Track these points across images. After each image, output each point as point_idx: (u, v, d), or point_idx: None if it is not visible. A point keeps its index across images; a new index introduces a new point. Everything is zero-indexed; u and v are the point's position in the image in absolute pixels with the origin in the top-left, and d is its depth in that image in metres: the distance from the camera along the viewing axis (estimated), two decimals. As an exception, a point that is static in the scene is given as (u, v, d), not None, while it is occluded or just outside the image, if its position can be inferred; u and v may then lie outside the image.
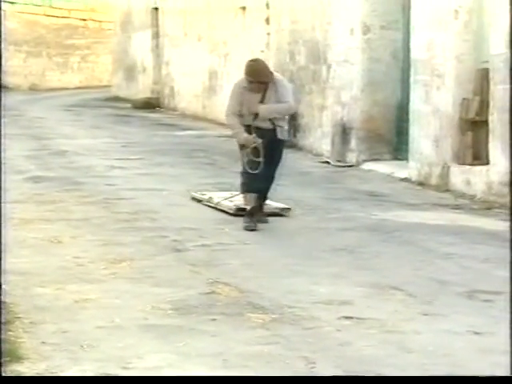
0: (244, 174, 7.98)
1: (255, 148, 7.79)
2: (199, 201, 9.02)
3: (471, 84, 9.90)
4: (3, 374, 4.18)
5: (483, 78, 9.69)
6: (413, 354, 4.73)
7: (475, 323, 5.23)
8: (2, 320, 4.74)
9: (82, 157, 12.54)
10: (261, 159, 7.77)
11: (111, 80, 25.92)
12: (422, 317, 5.40)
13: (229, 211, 8.38)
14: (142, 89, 22.33)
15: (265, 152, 7.78)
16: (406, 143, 11.13)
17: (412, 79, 10.82)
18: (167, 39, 20.52)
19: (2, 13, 21.08)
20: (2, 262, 5.31)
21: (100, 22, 29.96)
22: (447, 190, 9.95)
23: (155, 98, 21.20)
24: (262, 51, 15.38)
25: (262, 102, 7.81)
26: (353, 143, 12.23)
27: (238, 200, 8.46)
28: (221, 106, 17.62)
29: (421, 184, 10.46)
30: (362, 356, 4.69)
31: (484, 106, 9.63)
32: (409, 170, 10.85)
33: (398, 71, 11.92)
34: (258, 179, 7.84)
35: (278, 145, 7.96)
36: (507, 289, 5.98)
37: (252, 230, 7.73)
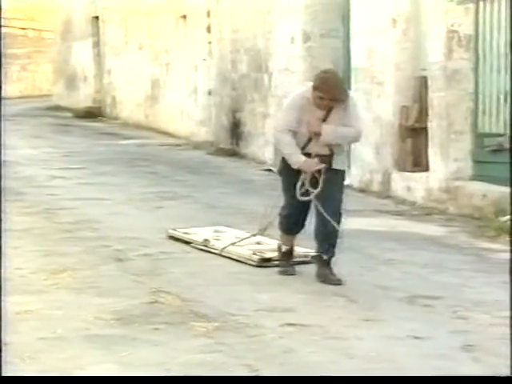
0: (289, 206, 6.48)
1: (314, 175, 6.34)
2: (187, 243, 7.48)
3: (410, 91, 10.03)
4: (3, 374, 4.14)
5: (422, 85, 9.83)
6: (355, 360, 4.77)
7: (415, 328, 5.30)
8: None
9: (22, 167, 12.41)
10: (317, 190, 6.34)
11: (52, 89, 25.70)
12: (364, 323, 5.45)
13: (247, 262, 6.84)
14: (83, 98, 22.18)
15: (324, 182, 6.33)
16: (348, 150, 11.21)
17: (353, 87, 10.92)
18: (108, 48, 20.41)
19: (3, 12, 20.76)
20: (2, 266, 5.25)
21: (40, 30, 29.71)
22: (388, 197, 10.06)
23: (97, 107, 21.07)
24: (204, 59, 15.41)
25: (324, 120, 6.28)
26: (295, 151, 12.29)
27: (250, 245, 7.09)
28: (163, 114, 17.61)
29: (362, 191, 10.55)
30: (305, 362, 4.72)
31: (423, 113, 9.77)
32: (351, 176, 10.94)
33: (338, 79, 12.01)
34: (322, 222, 6.36)
35: (337, 176, 6.43)
36: (446, 293, 6.08)
37: (290, 274, 6.54)
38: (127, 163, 12.96)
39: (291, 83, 12.27)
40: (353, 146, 10.98)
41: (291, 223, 6.55)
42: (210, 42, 15.11)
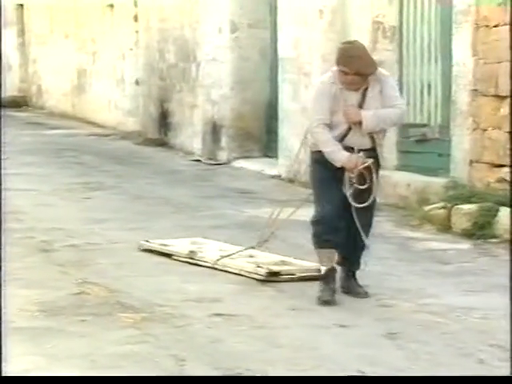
0: (323, 209, 5.72)
1: (361, 172, 5.60)
2: (168, 255, 6.73)
3: (337, 82, 10.10)
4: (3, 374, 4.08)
5: (348, 76, 9.91)
6: (282, 349, 4.82)
7: (341, 317, 5.37)
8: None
9: None
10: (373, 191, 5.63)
11: (-24, 78, 25.22)
12: (290, 312, 5.50)
13: (250, 276, 6.15)
14: (8, 87, 21.83)
15: (376, 176, 5.62)
16: (276, 141, 11.27)
17: (280, 78, 10.96)
18: (33, 37, 20.14)
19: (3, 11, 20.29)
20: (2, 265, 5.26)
21: (-37, 18, 29.12)
22: (316, 187, 10.11)
23: (22, 97, 20.78)
24: (131, 49, 15.31)
25: (360, 106, 5.60)
26: (223, 141, 12.31)
27: (247, 257, 6.42)
28: (90, 104, 17.45)
29: (290, 181, 10.58)
30: (232, 352, 4.75)
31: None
32: (278, 167, 10.99)
33: (266, 69, 12.06)
34: (352, 233, 5.66)
35: (377, 172, 5.69)
36: (371, 282, 6.14)
37: (328, 303, 5.56)
38: (53, 153, 12.81)
39: (219, 73, 12.28)
40: (280, 136, 11.06)
41: (326, 231, 5.63)
42: (137, 32, 15.01)
